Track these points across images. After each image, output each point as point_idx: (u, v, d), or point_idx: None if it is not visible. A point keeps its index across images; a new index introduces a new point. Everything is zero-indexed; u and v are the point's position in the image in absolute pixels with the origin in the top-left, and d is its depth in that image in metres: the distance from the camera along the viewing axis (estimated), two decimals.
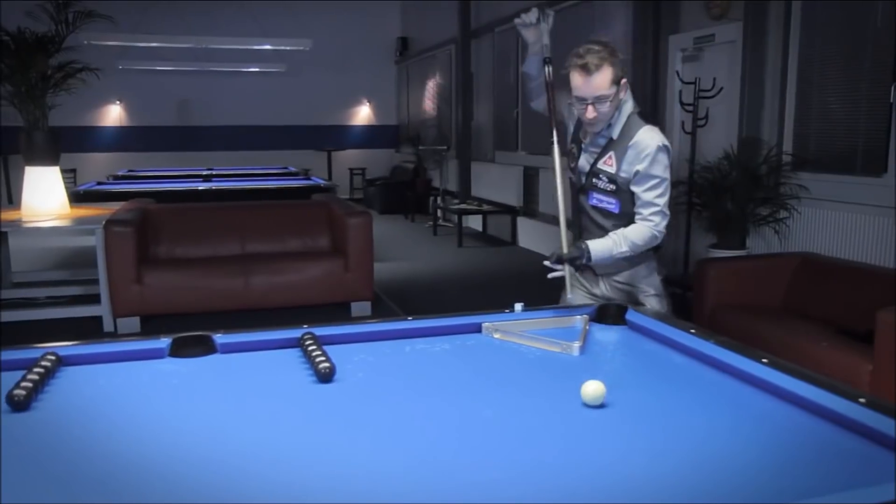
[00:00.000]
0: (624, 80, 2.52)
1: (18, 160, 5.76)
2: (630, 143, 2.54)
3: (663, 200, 2.56)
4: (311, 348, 1.83)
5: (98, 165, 11.99)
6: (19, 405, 1.56)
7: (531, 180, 8.93)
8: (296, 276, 5.48)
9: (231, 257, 5.64)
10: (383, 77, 14.03)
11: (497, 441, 1.41)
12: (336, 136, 13.97)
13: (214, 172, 9.76)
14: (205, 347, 1.94)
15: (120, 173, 9.78)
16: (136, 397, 1.68)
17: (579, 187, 2.73)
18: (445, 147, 11.27)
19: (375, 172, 13.78)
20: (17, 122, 5.35)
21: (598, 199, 2.66)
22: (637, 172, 2.53)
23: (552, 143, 2.60)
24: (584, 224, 2.75)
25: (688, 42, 5.89)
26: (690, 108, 5.44)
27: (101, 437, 1.46)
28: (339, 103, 13.87)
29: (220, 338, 1.96)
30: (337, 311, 5.48)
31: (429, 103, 12.61)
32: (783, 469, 1.27)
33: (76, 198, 6.69)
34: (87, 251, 6.26)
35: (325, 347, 1.84)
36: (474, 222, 10.18)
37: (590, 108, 2.49)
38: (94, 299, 5.26)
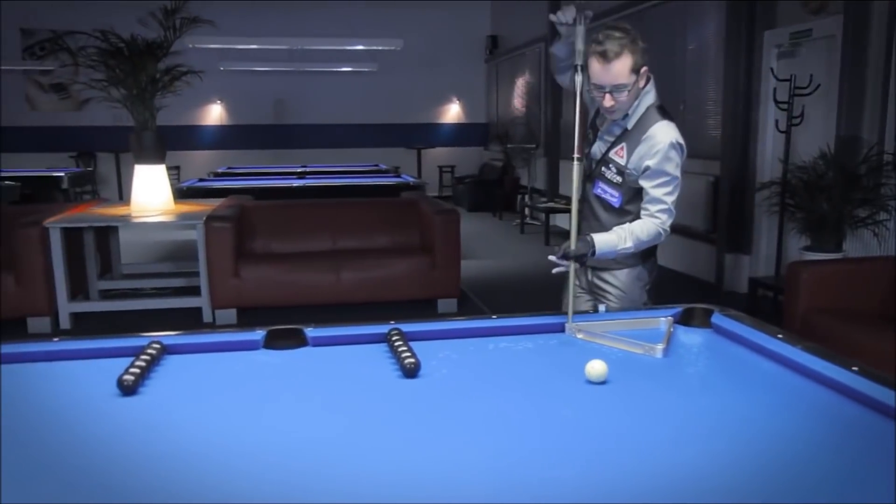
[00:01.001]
0: (645, 69, 2.43)
1: (128, 158, 6.08)
2: (644, 136, 2.46)
3: (672, 199, 2.49)
4: (397, 344, 1.89)
5: (200, 163, 12.47)
6: (128, 389, 1.67)
7: None
8: (384, 272, 5.59)
9: (323, 253, 5.79)
10: (473, 75, 14.08)
11: (575, 440, 1.43)
12: (426, 134, 14.11)
13: (308, 170, 10.02)
14: (297, 340, 2.02)
15: (220, 170, 10.14)
16: (233, 386, 1.76)
17: (587, 174, 2.67)
18: (534, 145, 11.23)
19: (464, 170, 13.86)
20: (129, 123, 5.64)
21: (602, 189, 2.60)
22: (647, 168, 2.46)
23: (574, 159, 2.39)
24: (584, 214, 2.68)
25: (783, 38, 5.70)
26: (785, 106, 5.28)
27: (201, 421, 1.55)
28: (429, 101, 14.01)
29: (311, 331, 2.03)
30: (424, 308, 5.57)
31: (518, 101, 12.59)
32: (867, 478, 1.26)
33: (180, 194, 6.97)
34: (189, 245, 6.55)
35: (410, 343, 1.89)
36: (562, 221, 10.10)
37: (607, 96, 2.41)
38: (195, 291, 5.49)
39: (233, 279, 5.33)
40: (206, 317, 5.41)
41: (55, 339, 2.06)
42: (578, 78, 2.32)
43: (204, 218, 5.34)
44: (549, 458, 1.35)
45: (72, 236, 5.43)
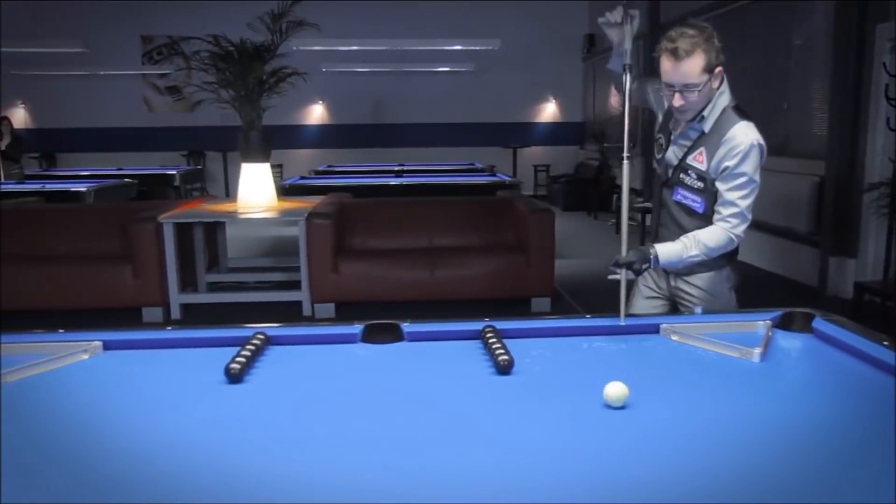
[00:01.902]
0: (719, 69, 2.33)
1: (235, 157, 6.32)
2: (723, 139, 2.37)
3: (746, 203, 2.38)
4: (491, 341, 1.91)
5: (301, 161, 12.84)
6: (235, 377, 1.76)
7: None
8: (479, 270, 5.63)
9: (418, 250, 5.88)
10: (569, 74, 13.96)
11: (667, 442, 1.43)
12: (522, 133, 14.09)
13: (405, 168, 10.17)
14: (393, 335, 2.07)
15: (320, 168, 10.41)
16: (333, 378, 1.83)
17: (664, 181, 2.58)
18: (631, 144, 11.04)
19: (559, 169, 13.76)
20: (235, 123, 5.87)
21: (682, 196, 2.51)
22: (726, 168, 2.36)
23: (622, 158, 2.35)
24: (662, 220, 2.62)
25: None
26: None
27: (302, 410, 1.63)
28: (525, 101, 13.98)
29: (407, 326, 2.08)
30: (517, 306, 5.57)
31: (614, 100, 12.39)
32: None
33: (282, 191, 7.20)
34: (290, 241, 6.75)
35: (504, 341, 1.91)
36: None
37: (677, 95, 2.34)
38: (296, 285, 5.67)
39: (332, 274, 5.48)
40: (306, 310, 5.57)
41: (168, 328, 2.19)
42: (626, 77, 2.29)
43: (305, 215, 5.51)
44: (639, 459, 1.36)
45: (183, 231, 5.71)
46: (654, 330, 2.13)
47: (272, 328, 2.09)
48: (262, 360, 1.92)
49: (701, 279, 2.57)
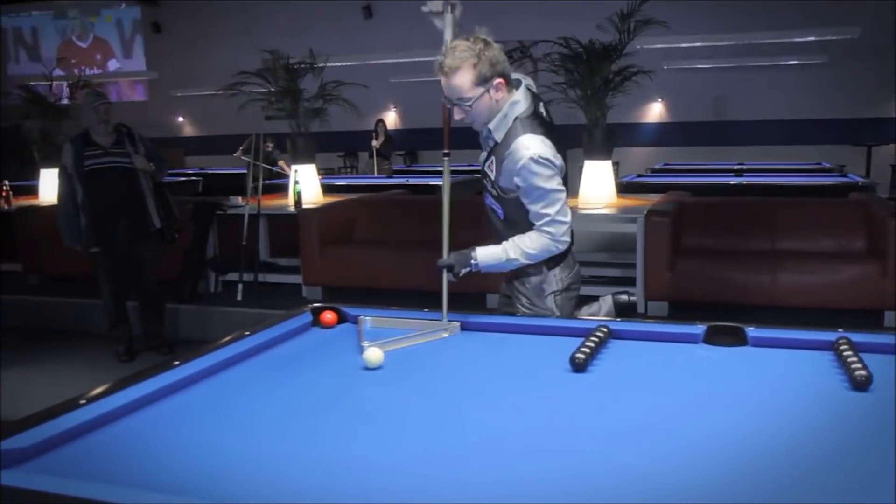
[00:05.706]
0: (499, 81, 2.33)
1: (576, 154, 6.55)
2: (507, 151, 2.38)
3: (554, 209, 2.40)
4: (846, 354, 1.82)
5: (637, 159, 12.77)
6: (579, 367, 1.88)
7: None
8: (825, 277, 5.22)
9: (759, 252, 5.61)
10: None
11: None
12: (877, 130, 12.51)
13: (745, 167, 9.70)
14: (736, 338, 2.05)
15: (657, 167, 10.33)
16: (673, 376, 1.88)
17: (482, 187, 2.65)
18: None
19: None
20: (576, 121, 6.08)
21: (490, 201, 2.57)
22: (518, 186, 2.39)
23: (445, 154, 2.54)
24: (489, 223, 2.67)
25: None
26: None
27: (643, 404, 1.68)
28: (883, 93, 12.35)
29: (752, 331, 2.06)
30: (867, 319, 5.07)
31: None
32: None
33: (619, 188, 7.30)
34: (626, 238, 6.80)
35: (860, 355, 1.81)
36: None
37: (455, 109, 2.39)
38: (630, 282, 5.70)
39: (667, 273, 5.45)
40: (640, 307, 5.60)
41: (516, 316, 2.42)
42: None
43: (644, 212, 5.54)
44: None
45: None
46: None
47: (615, 322, 2.19)
48: (605, 353, 2.01)
49: (523, 283, 2.59)
